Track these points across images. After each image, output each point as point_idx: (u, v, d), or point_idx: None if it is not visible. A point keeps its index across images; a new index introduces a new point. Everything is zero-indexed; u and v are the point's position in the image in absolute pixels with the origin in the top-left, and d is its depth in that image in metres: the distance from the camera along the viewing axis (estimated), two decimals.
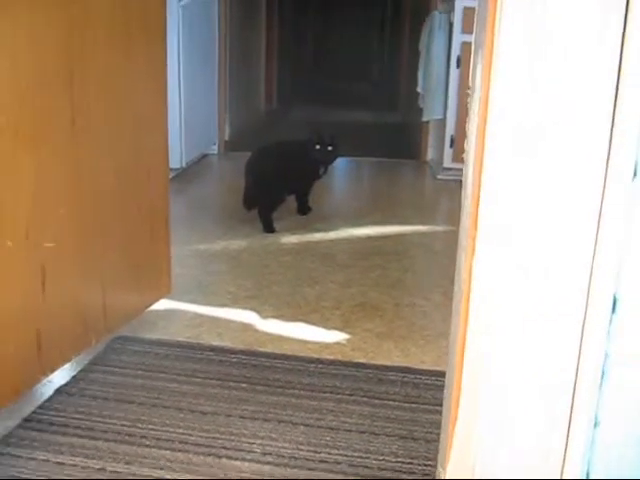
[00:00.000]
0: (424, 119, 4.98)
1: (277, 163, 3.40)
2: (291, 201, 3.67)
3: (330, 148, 3.41)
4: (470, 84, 1.11)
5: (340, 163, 4.59)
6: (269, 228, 3.43)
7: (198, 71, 4.79)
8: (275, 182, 3.38)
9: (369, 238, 3.39)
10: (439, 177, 4.77)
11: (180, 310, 2.44)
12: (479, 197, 0.99)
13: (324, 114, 8.04)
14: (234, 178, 4.05)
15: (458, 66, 4.57)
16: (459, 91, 4.56)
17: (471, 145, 1.07)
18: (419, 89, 5.05)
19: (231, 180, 4.36)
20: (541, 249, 0.97)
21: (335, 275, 2.88)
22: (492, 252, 0.99)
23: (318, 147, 3.40)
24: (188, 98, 4.53)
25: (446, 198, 4.35)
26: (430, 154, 5.35)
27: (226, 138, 5.66)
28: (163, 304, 2.41)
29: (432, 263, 3.06)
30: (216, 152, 5.46)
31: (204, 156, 5.27)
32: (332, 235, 3.42)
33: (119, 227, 2.06)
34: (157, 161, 2.18)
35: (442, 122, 4.79)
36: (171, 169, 4.35)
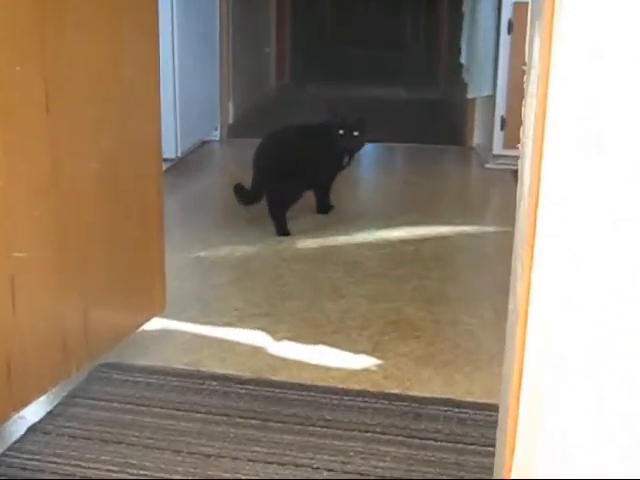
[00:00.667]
0: (469, 96, 5.03)
1: (291, 152, 3.44)
2: (309, 197, 3.69)
3: (356, 134, 3.47)
4: (526, 59, 1.12)
5: (368, 151, 4.64)
6: (282, 230, 3.46)
7: (196, 46, 4.87)
8: (290, 175, 3.41)
9: (403, 242, 3.42)
10: (488, 166, 4.80)
11: (176, 331, 2.49)
12: (538, 198, 0.99)
13: (347, 91, 8.08)
14: (240, 170, 4.08)
15: (509, 32, 4.63)
16: (511, 62, 4.60)
17: (528, 134, 1.07)
18: (462, 60, 5.11)
19: (236, 172, 4.34)
20: (615, 262, 0.98)
21: (363, 287, 2.92)
22: (555, 265, 1.00)
23: (341, 132, 3.46)
24: (184, 76, 4.60)
25: (497, 192, 4.35)
26: (477, 139, 5.41)
27: (230, 122, 5.75)
28: (156, 324, 2.44)
29: (480, 272, 3.08)
30: (218, 138, 5.57)
31: (204, 143, 5.33)
32: (358, 238, 3.46)
33: (104, 232, 2.08)
34: (148, 151, 2.20)
35: (491, 100, 4.86)
36: (164, 160, 3.81)
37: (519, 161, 1.18)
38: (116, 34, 2.01)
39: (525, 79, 1.12)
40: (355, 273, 3.06)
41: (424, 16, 11.05)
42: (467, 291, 2.92)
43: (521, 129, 1.15)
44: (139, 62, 2.12)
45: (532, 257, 1.02)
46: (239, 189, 3.43)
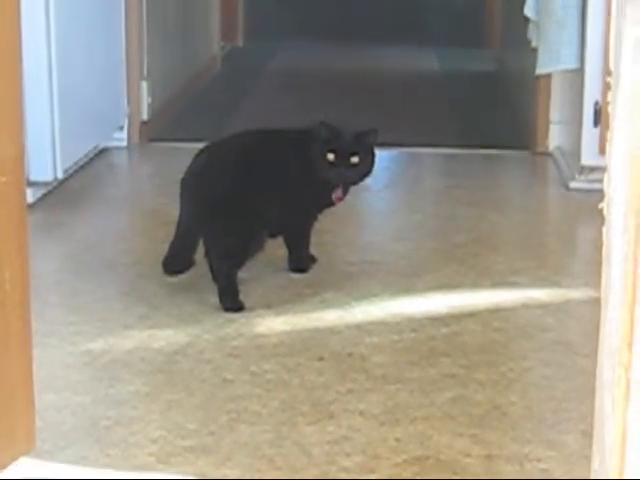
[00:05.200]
0: (541, 71, 4.32)
1: (248, 175, 2.93)
2: (276, 246, 3.13)
3: (355, 160, 2.92)
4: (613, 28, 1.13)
5: (377, 162, 3.46)
6: (232, 303, 2.92)
7: (85, 11, 4.27)
8: (244, 212, 2.93)
9: (433, 320, 2.90)
10: (574, 185, 4.01)
11: None
12: None
13: (342, 60, 6.81)
14: (160, 196, 3.84)
15: None
16: (607, 18, 3.80)
17: (615, 159, 1.12)
18: (528, 11, 4.36)
19: (154, 199, 3.97)
20: None
21: (365, 400, 2.48)
22: None
23: (331, 158, 2.91)
24: (66, 54, 3.96)
25: (589, 229, 3.69)
26: (555, 139, 4.53)
27: (143, 116, 4.94)
28: (24, 468, 2.11)
29: (561, 372, 2.65)
30: (124, 144, 4.72)
31: (100, 153, 4.49)
32: (359, 316, 2.92)
33: None
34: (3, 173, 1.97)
35: (577, 76, 4.09)
36: (33, 184, 3.66)
37: (604, 183, 1.23)
38: None
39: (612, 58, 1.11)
40: (353, 376, 2.61)
41: None
42: (537, 405, 2.51)
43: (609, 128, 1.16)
44: None
45: (631, 352, 1.07)
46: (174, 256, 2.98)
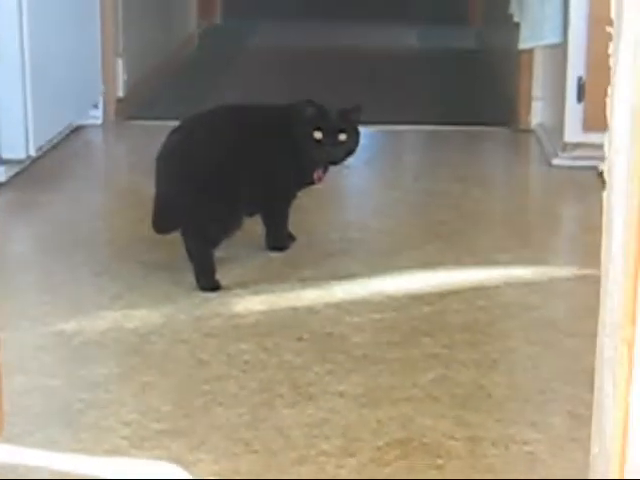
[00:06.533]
0: (524, 46, 4.26)
1: (225, 150, 2.89)
2: (253, 224, 3.09)
3: (342, 137, 2.89)
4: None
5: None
6: (208, 282, 2.88)
7: None
8: (221, 188, 2.89)
9: (415, 299, 2.87)
10: (556, 162, 4.00)
11: (22, 466, 2.09)
12: None
13: (322, 37, 6.86)
14: (135, 174, 3.82)
15: None
16: None
17: (617, 117, 1.10)
18: None
19: (129, 177, 4.00)
20: None
21: (345, 381, 2.44)
22: None
23: (318, 137, 2.87)
24: (39, 30, 3.89)
25: (572, 206, 3.82)
26: (537, 116, 4.53)
27: (119, 93, 4.94)
28: None
29: (545, 351, 2.62)
30: (99, 121, 4.59)
31: (75, 131, 4.44)
32: (339, 294, 2.89)
33: None
34: None
35: (560, 51, 4.05)
36: (5, 163, 3.67)
37: (606, 158, 1.17)
38: None
39: (611, 31, 1.12)
40: (333, 355, 2.58)
41: None
42: (523, 385, 2.49)
43: (607, 100, 1.14)
44: None
45: (634, 327, 1.05)
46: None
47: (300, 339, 2.68)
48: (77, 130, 4.50)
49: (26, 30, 3.74)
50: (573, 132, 3.90)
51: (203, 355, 2.59)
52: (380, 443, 2.18)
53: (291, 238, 3.19)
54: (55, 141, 4.20)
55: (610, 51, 1.11)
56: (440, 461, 2.10)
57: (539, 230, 3.59)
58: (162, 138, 3.05)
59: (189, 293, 2.92)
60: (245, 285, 2.97)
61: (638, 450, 1.07)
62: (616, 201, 1.09)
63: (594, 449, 1.26)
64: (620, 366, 1.09)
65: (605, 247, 1.15)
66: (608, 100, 1.14)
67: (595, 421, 1.29)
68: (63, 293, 2.98)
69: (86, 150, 4.48)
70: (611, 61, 1.09)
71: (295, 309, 2.86)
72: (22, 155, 3.78)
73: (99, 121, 4.60)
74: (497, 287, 2.98)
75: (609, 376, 1.15)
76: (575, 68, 3.89)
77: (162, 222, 2.94)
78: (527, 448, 2.15)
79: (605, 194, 1.14)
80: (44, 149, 4.03)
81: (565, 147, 3.98)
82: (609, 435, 1.14)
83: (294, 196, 3.14)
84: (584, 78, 3.87)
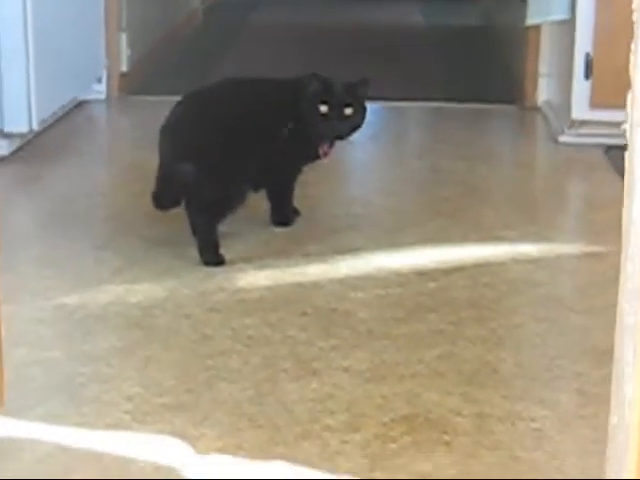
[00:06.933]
0: (530, 22, 4.29)
1: (230, 124, 2.86)
2: (258, 199, 3.09)
3: (349, 111, 2.88)
4: None
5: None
6: (212, 256, 2.87)
7: None
8: (226, 163, 2.86)
9: (421, 274, 2.87)
10: (563, 139, 3.99)
11: (23, 440, 2.09)
12: None
13: (326, 13, 6.82)
14: (139, 149, 3.78)
15: None
16: None
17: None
18: None
19: (132, 152, 3.96)
20: None
21: (350, 356, 2.44)
22: None
23: (324, 110, 2.85)
24: (42, 3, 3.80)
25: (579, 183, 3.82)
26: (544, 93, 4.53)
27: (123, 68, 4.91)
28: None
29: (553, 328, 2.61)
30: (103, 97, 4.62)
31: (78, 106, 4.46)
32: (343, 269, 2.89)
33: None
34: None
35: (568, 27, 4.04)
36: (8, 136, 3.67)
37: (624, 130, 1.16)
38: None
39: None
40: (338, 330, 2.56)
41: None
42: (529, 362, 2.48)
43: (630, 91, 1.14)
44: None
45: None
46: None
47: (304, 314, 2.67)
48: (80, 105, 4.51)
49: (29, 3, 3.76)
50: (580, 109, 3.90)
51: (207, 330, 2.58)
52: (385, 419, 2.18)
53: (296, 213, 3.19)
54: (58, 115, 4.21)
55: (634, 5, 1.06)
56: (447, 437, 2.10)
57: (545, 207, 3.58)
58: (166, 113, 3.04)
59: (192, 267, 2.92)
60: (249, 260, 2.97)
61: None
62: (638, 164, 1.07)
63: (613, 419, 1.24)
64: None
65: (626, 210, 1.13)
66: (631, 56, 1.09)
67: (614, 391, 1.27)
68: (65, 267, 2.97)
69: (89, 125, 4.49)
70: (634, 17, 1.05)
71: (300, 284, 2.85)
72: (25, 129, 3.77)
73: (102, 96, 4.62)
74: (503, 263, 2.98)
75: (629, 343, 1.12)
76: (583, 44, 3.88)
77: (164, 196, 2.93)
78: (534, 425, 2.14)
79: (627, 154, 1.12)
80: (47, 123, 4.03)
81: (572, 124, 3.99)
82: (629, 404, 1.11)
83: (299, 171, 3.12)
84: (592, 54, 3.86)
